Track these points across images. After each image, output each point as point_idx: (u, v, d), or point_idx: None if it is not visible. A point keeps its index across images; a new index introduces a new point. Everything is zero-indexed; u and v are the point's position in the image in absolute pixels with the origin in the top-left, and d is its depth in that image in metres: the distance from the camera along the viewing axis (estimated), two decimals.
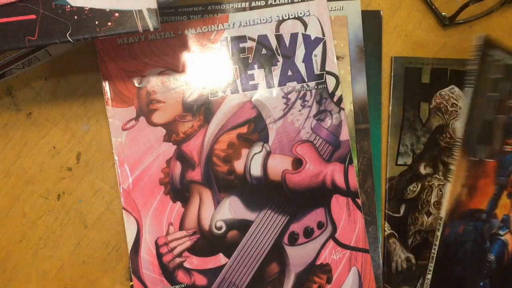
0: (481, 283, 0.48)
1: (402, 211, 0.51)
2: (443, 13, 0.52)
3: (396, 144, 0.51)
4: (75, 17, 0.39)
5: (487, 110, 0.48)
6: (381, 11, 0.52)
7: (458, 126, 0.50)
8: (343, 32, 0.51)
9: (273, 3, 0.51)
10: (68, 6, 0.39)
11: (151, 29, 0.40)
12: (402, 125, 0.51)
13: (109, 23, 0.40)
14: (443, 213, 0.47)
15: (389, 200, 0.51)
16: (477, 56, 0.48)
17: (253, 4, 0.51)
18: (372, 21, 0.52)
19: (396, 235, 0.50)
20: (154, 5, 0.40)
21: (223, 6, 0.51)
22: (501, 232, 0.49)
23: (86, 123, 0.51)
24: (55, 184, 0.50)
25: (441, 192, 0.51)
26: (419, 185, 0.51)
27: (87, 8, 0.39)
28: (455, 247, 0.48)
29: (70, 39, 0.40)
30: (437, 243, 0.47)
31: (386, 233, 0.50)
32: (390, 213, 0.50)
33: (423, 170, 0.51)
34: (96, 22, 0.40)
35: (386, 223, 0.50)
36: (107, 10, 0.40)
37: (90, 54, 0.50)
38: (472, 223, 0.48)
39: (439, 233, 0.47)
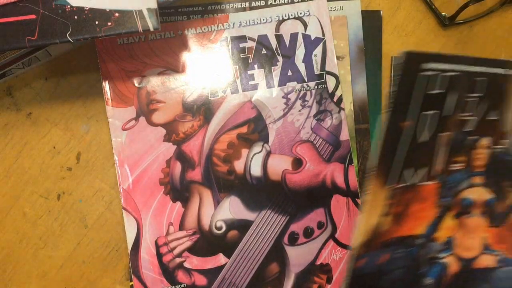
0: None
1: None
2: (443, 13, 0.52)
3: None
4: (75, 17, 0.39)
5: (421, 131, 0.44)
6: (381, 11, 0.52)
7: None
8: (343, 32, 0.51)
9: (273, 3, 0.51)
10: (68, 6, 0.39)
11: (151, 29, 0.40)
12: None
13: (109, 23, 0.40)
14: (354, 245, 0.43)
15: None
16: (397, 77, 0.43)
17: (253, 4, 0.51)
18: (372, 21, 0.52)
19: None
20: (154, 5, 0.40)
21: (223, 6, 0.51)
22: (440, 255, 0.45)
23: (86, 123, 0.51)
24: (55, 184, 0.50)
25: None
26: None
27: (87, 8, 0.39)
28: (376, 277, 0.44)
29: (70, 39, 0.40)
30: (349, 274, 0.44)
31: None
32: None
33: None
34: (96, 22, 0.40)
35: None
36: (107, 10, 0.40)
37: (90, 54, 0.50)
38: (403, 250, 0.45)
39: (349, 265, 0.44)
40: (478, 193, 0.46)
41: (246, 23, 0.51)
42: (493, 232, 0.46)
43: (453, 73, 0.44)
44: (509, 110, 0.46)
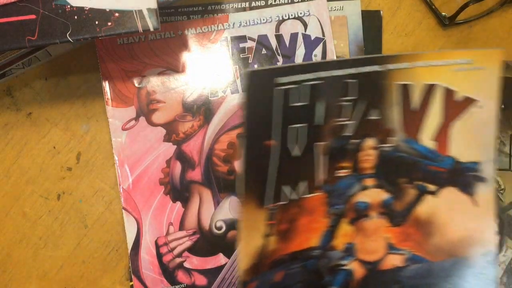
0: None
1: None
2: (443, 13, 0.52)
3: None
4: (75, 17, 0.39)
5: (292, 146, 0.42)
6: (381, 11, 0.52)
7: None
8: (343, 32, 0.51)
9: (273, 3, 0.51)
10: (68, 6, 0.39)
11: (151, 29, 0.40)
12: None
13: (109, 23, 0.40)
14: (240, 271, 0.42)
15: None
16: (245, 96, 0.41)
17: (253, 4, 0.51)
18: (372, 21, 0.52)
19: None
20: (154, 5, 0.40)
21: (223, 6, 0.51)
22: (343, 262, 0.44)
23: (86, 123, 0.51)
24: (55, 184, 0.50)
25: None
26: None
27: (87, 8, 0.39)
28: None
29: (70, 39, 0.40)
30: None
31: None
32: None
33: None
34: (96, 22, 0.40)
35: None
36: (107, 10, 0.40)
37: (90, 54, 0.50)
38: (298, 264, 0.43)
39: None
40: (372, 195, 0.44)
41: (246, 23, 0.51)
42: (396, 231, 0.44)
43: (315, 82, 0.42)
44: (391, 106, 0.44)
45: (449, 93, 0.44)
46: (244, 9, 0.51)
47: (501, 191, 0.50)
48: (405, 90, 0.43)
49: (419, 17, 0.53)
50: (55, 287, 0.50)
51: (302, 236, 0.43)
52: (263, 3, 0.51)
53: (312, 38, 0.51)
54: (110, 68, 0.50)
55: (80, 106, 0.51)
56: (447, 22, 0.52)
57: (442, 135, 0.44)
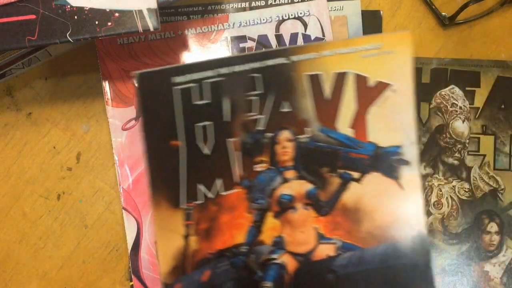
0: None
1: None
2: (443, 13, 0.52)
3: None
4: (75, 17, 0.39)
5: (202, 144, 0.42)
6: (381, 11, 0.52)
7: (459, 125, 0.50)
8: (343, 32, 0.51)
9: (273, 3, 0.51)
10: (68, 6, 0.39)
11: (151, 29, 0.40)
12: None
13: (109, 23, 0.40)
14: (162, 273, 0.42)
15: None
16: (139, 98, 0.41)
17: (253, 4, 0.51)
18: (372, 21, 0.52)
19: None
20: (154, 5, 0.40)
21: (223, 6, 0.51)
22: (274, 256, 0.44)
23: (86, 123, 0.51)
24: (55, 184, 0.50)
25: (441, 192, 0.50)
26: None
27: (87, 8, 0.39)
28: None
29: (70, 39, 0.40)
30: None
31: None
32: None
33: (423, 170, 0.50)
34: (96, 22, 0.40)
35: None
36: (107, 10, 0.40)
37: (90, 54, 0.50)
38: (225, 262, 0.43)
39: None
40: (295, 187, 0.44)
41: (246, 23, 0.51)
42: (324, 221, 0.44)
43: (216, 79, 0.42)
44: (302, 97, 0.43)
45: (360, 79, 0.44)
46: (244, 9, 0.51)
47: (501, 191, 0.50)
48: (315, 80, 0.43)
49: (419, 17, 0.53)
50: (55, 287, 0.50)
51: (226, 234, 0.43)
52: (263, 3, 0.51)
53: (312, 38, 0.51)
54: (110, 68, 0.50)
55: (80, 106, 0.51)
56: (447, 22, 0.52)
57: (359, 122, 0.44)
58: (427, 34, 0.53)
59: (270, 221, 0.44)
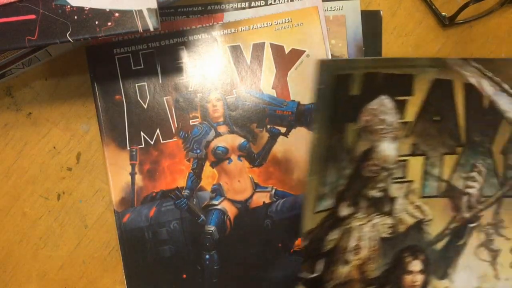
0: (207, 256, 0.47)
1: (318, 269, 0.42)
2: (443, 13, 0.52)
3: (316, 185, 0.41)
4: (75, 17, 0.39)
5: (143, 100, 0.49)
6: (381, 11, 0.52)
7: (386, 148, 0.42)
8: (341, 31, 0.51)
9: (273, 3, 0.51)
10: (68, 6, 0.39)
11: (151, 29, 0.40)
12: (326, 158, 0.41)
13: (109, 23, 0.40)
14: (114, 202, 0.48)
15: (306, 260, 0.42)
16: (90, 66, 0.49)
17: (253, 4, 0.51)
18: (372, 21, 0.52)
19: None
20: (154, 5, 0.40)
21: (222, 6, 0.51)
22: (214, 202, 0.48)
23: (86, 123, 0.51)
24: (55, 184, 0.50)
25: (360, 234, 0.42)
26: (339, 231, 0.42)
27: (87, 8, 0.39)
28: (151, 229, 0.48)
29: (70, 39, 0.40)
30: (118, 230, 0.48)
31: None
32: (305, 276, 0.42)
33: (344, 211, 0.42)
34: (96, 22, 0.40)
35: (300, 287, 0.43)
36: (107, 10, 0.40)
37: None
38: (169, 203, 0.48)
39: (116, 222, 0.48)
40: (228, 140, 0.49)
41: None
42: (258, 171, 0.49)
43: (148, 50, 0.49)
44: (227, 64, 0.49)
45: (277, 48, 0.50)
46: (243, 9, 0.51)
47: (427, 223, 0.43)
48: (235, 50, 0.50)
49: (419, 17, 0.53)
50: (55, 287, 0.50)
51: (168, 177, 0.49)
52: (262, 3, 0.51)
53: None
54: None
55: (80, 106, 0.51)
56: (447, 22, 0.52)
57: (281, 84, 0.49)
58: (427, 34, 0.53)
59: (208, 170, 0.49)
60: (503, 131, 0.43)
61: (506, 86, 0.43)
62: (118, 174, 0.49)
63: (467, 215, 0.43)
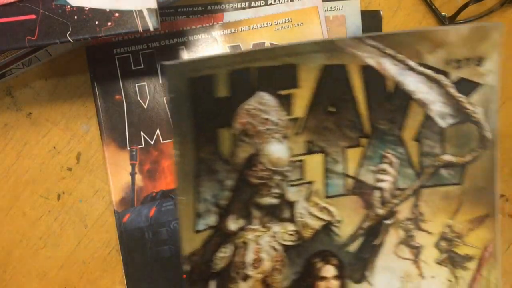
0: None
1: None
2: (443, 13, 0.52)
3: (191, 203, 0.37)
4: (75, 17, 0.39)
5: (142, 101, 0.49)
6: (381, 11, 0.52)
7: (274, 150, 0.38)
8: (341, 31, 0.51)
9: (273, 3, 0.51)
10: (68, 6, 0.39)
11: (151, 29, 0.40)
12: (197, 173, 0.37)
13: (109, 23, 0.40)
14: (114, 202, 0.48)
15: (192, 284, 0.38)
16: (90, 67, 0.49)
17: (253, 4, 0.51)
18: (372, 21, 0.52)
19: None
20: (154, 5, 0.40)
21: (222, 6, 0.51)
22: None
23: (86, 123, 0.51)
24: (55, 184, 0.50)
25: (259, 246, 0.39)
26: (231, 247, 0.39)
27: (87, 8, 0.39)
28: (152, 229, 0.47)
29: (70, 39, 0.40)
30: (117, 229, 0.47)
31: None
32: None
33: (233, 225, 0.39)
34: (96, 22, 0.40)
35: None
36: (107, 10, 0.40)
37: None
38: (170, 202, 0.47)
39: (116, 222, 0.47)
40: None
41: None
42: None
43: (149, 50, 0.49)
44: None
45: None
46: (243, 10, 0.51)
47: (337, 224, 0.40)
48: (236, 50, 0.48)
49: (419, 17, 0.53)
50: (55, 287, 0.50)
51: (168, 177, 0.47)
52: (262, 3, 0.51)
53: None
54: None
55: (80, 106, 0.51)
56: (447, 22, 0.52)
57: None
58: None
59: None
60: (413, 115, 0.38)
61: (412, 63, 0.36)
62: (118, 174, 0.49)
63: (381, 211, 0.39)
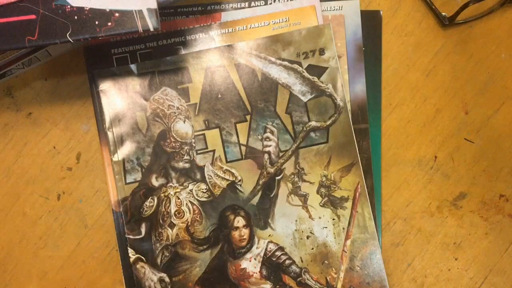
0: None
1: (143, 231, 0.48)
2: (443, 13, 0.52)
3: (121, 163, 0.48)
4: (75, 17, 0.40)
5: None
6: (381, 11, 0.52)
7: (181, 127, 0.49)
8: (340, 31, 0.51)
9: (273, 3, 0.51)
10: (68, 6, 0.39)
11: (151, 29, 0.40)
12: (121, 141, 0.49)
13: (109, 23, 0.40)
14: (111, 203, 0.49)
15: (127, 223, 0.48)
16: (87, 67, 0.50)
17: (253, 4, 0.51)
18: (372, 21, 0.52)
19: (143, 258, 0.48)
20: (154, 5, 0.40)
21: (222, 6, 0.51)
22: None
23: (86, 123, 0.51)
24: (55, 184, 0.50)
25: (179, 200, 0.48)
26: (155, 199, 0.48)
27: (87, 8, 0.39)
28: None
29: (70, 39, 0.40)
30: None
31: (131, 259, 0.47)
32: (131, 237, 0.48)
33: (155, 182, 0.48)
34: (96, 22, 0.40)
35: (129, 248, 0.48)
36: (107, 10, 0.40)
37: None
38: None
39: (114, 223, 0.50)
40: None
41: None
42: None
43: (145, 50, 0.50)
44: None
45: None
46: (242, 9, 0.51)
47: (239, 183, 0.49)
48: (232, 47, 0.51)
49: (419, 17, 0.53)
50: (55, 287, 0.50)
51: None
52: (262, 3, 0.51)
53: None
54: None
55: (80, 106, 0.51)
56: (447, 22, 0.52)
57: None
58: (427, 34, 0.53)
59: None
60: (282, 95, 0.50)
61: (272, 59, 0.49)
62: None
63: (271, 170, 0.49)
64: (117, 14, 0.40)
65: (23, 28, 0.39)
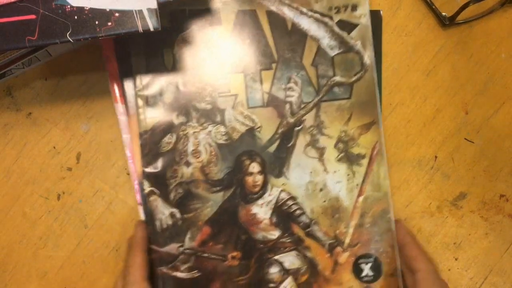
0: None
1: (160, 166, 0.48)
2: (443, 13, 0.52)
3: (144, 97, 0.48)
4: (75, 17, 0.39)
5: None
6: (381, 11, 0.52)
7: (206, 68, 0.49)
8: None
9: None
10: (68, 6, 0.39)
11: (151, 29, 0.40)
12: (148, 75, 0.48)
13: (109, 23, 0.40)
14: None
15: (145, 156, 0.48)
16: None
17: None
18: (372, 21, 0.52)
19: (157, 191, 0.48)
20: (154, 5, 0.40)
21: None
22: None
23: (86, 123, 0.51)
24: (55, 184, 0.50)
25: (197, 140, 0.48)
26: (174, 136, 0.48)
27: (87, 8, 0.39)
28: None
29: (70, 39, 0.40)
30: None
31: (145, 191, 0.48)
32: (147, 170, 0.48)
33: (175, 119, 0.48)
34: (96, 22, 0.40)
35: (145, 180, 0.48)
36: (107, 10, 0.40)
37: (90, 53, 0.50)
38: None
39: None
40: None
41: None
42: None
43: None
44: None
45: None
46: None
47: (258, 129, 0.49)
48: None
49: (419, 17, 0.53)
50: (55, 287, 0.50)
51: None
52: None
53: None
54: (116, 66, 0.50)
55: (80, 106, 0.51)
56: (447, 22, 0.52)
57: None
58: (427, 34, 0.53)
59: None
60: (309, 47, 0.50)
61: (304, 9, 0.49)
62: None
63: (291, 120, 0.49)
64: (117, 14, 0.40)
65: (23, 28, 0.39)
